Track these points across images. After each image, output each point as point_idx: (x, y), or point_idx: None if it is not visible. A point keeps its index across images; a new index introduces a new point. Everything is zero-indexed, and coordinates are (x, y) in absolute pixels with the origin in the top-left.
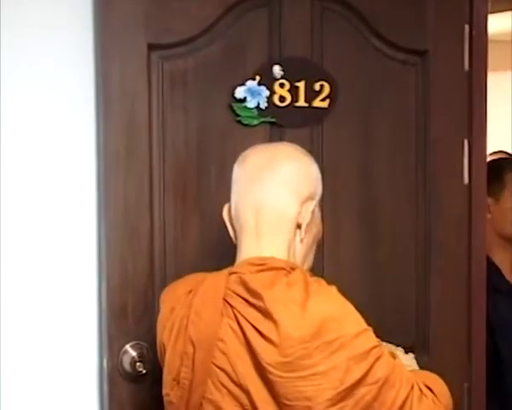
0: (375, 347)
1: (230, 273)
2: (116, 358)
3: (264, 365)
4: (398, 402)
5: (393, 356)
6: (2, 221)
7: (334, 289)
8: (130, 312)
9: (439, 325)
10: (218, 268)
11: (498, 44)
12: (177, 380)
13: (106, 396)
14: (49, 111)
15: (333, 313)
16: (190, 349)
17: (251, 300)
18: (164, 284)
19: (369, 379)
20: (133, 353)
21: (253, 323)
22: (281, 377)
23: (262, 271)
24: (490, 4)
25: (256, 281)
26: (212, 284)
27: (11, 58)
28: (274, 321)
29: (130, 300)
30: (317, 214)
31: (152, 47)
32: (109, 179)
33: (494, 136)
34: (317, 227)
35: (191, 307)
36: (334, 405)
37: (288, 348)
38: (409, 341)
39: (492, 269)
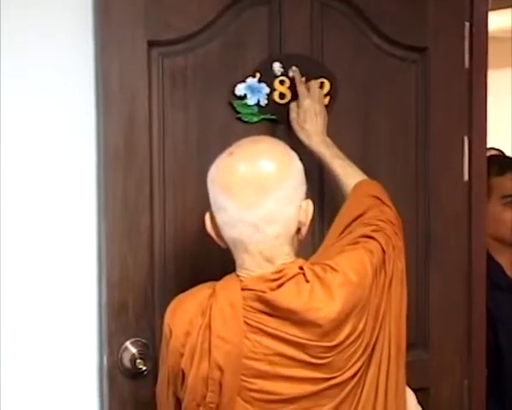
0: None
1: (244, 289)
2: (116, 355)
3: (308, 359)
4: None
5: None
6: (2, 218)
7: (333, 264)
8: (130, 308)
9: (438, 321)
10: (219, 265)
11: (498, 42)
12: (201, 405)
13: (106, 393)
14: (49, 108)
15: (352, 278)
16: (217, 374)
17: (276, 314)
18: (164, 281)
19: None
20: (133, 350)
21: (287, 331)
22: (330, 356)
23: (282, 284)
24: (490, 1)
25: (280, 296)
26: (227, 301)
27: (11, 57)
28: (311, 323)
29: (131, 296)
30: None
31: (152, 44)
32: (109, 175)
33: (494, 133)
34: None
35: (210, 330)
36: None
37: (331, 332)
38: (408, 338)
39: (493, 265)
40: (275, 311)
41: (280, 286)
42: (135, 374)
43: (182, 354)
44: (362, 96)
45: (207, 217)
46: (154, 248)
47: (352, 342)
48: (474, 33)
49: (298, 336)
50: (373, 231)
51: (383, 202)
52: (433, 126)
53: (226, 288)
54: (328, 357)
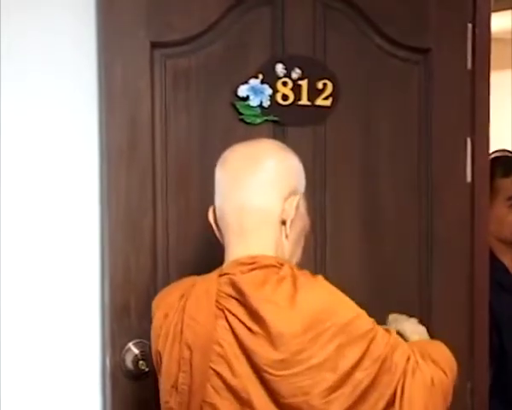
0: (369, 330)
1: (221, 275)
2: (119, 356)
3: (260, 365)
4: (393, 384)
5: (389, 332)
6: (4, 217)
7: (320, 278)
8: (132, 309)
9: (441, 323)
10: (218, 266)
11: (499, 43)
12: (175, 387)
13: (108, 394)
14: (52, 108)
15: (322, 303)
16: (187, 354)
17: (241, 300)
18: (167, 282)
19: (366, 362)
20: (136, 351)
21: (246, 323)
22: (277, 375)
23: (253, 269)
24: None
25: (246, 281)
26: (204, 286)
27: (13, 57)
28: (262, 320)
29: (133, 297)
30: (302, 209)
31: (155, 45)
32: (112, 176)
33: (494, 135)
34: (302, 222)
35: (184, 311)
36: (330, 394)
37: (281, 346)
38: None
39: (497, 265)
40: (240, 296)
41: (250, 271)
42: (137, 375)
43: (159, 336)
44: (364, 97)
45: (211, 209)
46: (156, 250)
47: (301, 372)
48: (477, 35)
49: (255, 332)
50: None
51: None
52: (436, 128)
53: (206, 276)
54: (275, 375)
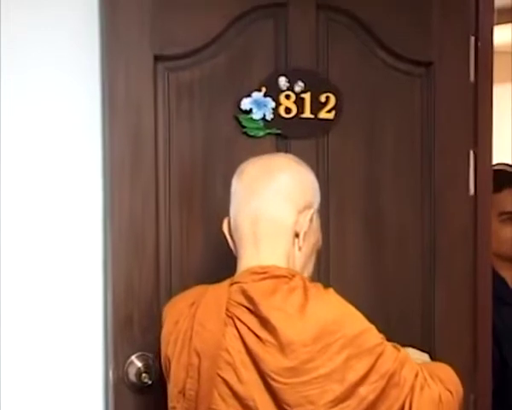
0: (377, 344)
1: (232, 283)
2: (122, 369)
3: (268, 372)
4: (402, 398)
5: (397, 349)
6: (6, 229)
7: (331, 291)
8: (135, 322)
9: (444, 335)
10: (224, 278)
11: (500, 56)
12: (182, 392)
13: (111, 407)
14: (55, 121)
15: (332, 315)
16: (195, 360)
17: (251, 308)
18: (169, 295)
19: (373, 376)
20: (139, 364)
21: (255, 331)
22: (284, 383)
23: (264, 279)
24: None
25: (256, 289)
26: (215, 294)
27: (14, 69)
28: (273, 328)
29: (136, 310)
30: (316, 223)
31: (158, 58)
32: (115, 189)
33: (495, 147)
34: (315, 236)
35: (194, 318)
36: (337, 405)
37: (290, 354)
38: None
39: (497, 280)
40: (250, 304)
41: (262, 280)
42: (140, 388)
43: (168, 342)
44: (367, 110)
45: (225, 220)
46: (159, 263)
47: (309, 381)
48: (480, 47)
49: (264, 340)
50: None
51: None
52: (439, 140)
53: (218, 284)
54: (282, 383)
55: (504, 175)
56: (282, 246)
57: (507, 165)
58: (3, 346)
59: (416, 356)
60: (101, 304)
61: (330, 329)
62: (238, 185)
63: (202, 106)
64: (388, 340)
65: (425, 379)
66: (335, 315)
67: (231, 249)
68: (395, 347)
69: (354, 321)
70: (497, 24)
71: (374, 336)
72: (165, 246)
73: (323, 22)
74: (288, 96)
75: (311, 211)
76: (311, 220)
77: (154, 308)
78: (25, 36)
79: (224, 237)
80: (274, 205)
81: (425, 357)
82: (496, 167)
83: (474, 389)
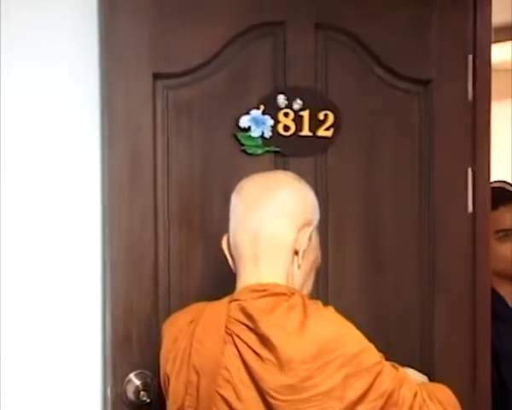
0: (376, 363)
1: (231, 301)
2: (120, 387)
3: (267, 390)
4: None
5: (396, 368)
6: (6, 252)
7: (331, 309)
8: (134, 340)
9: (443, 354)
10: (223, 296)
11: (498, 74)
12: (181, 409)
13: None
14: (53, 140)
15: (332, 333)
16: (194, 378)
17: (250, 325)
18: (168, 313)
19: (371, 395)
20: (137, 382)
21: (254, 348)
22: (284, 401)
23: (264, 296)
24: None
25: (256, 307)
26: (214, 312)
27: (13, 88)
28: (272, 345)
29: (135, 328)
30: (315, 241)
31: (157, 76)
32: (114, 208)
33: (493, 165)
34: (314, 253)
35: (193, 336)
36: None
37: (289, 371)
38: (414, 368)
39: (495, 297)
40: (249, 321)
41: (261, 298)
42: (139, 406)
43: (167, 360)
44: (365, 128)
45: (225, 237)
46: (158, 281)
47: (308, 399)
48: (478, 66)
49: (263, 357)
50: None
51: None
52: (437, 159)
53: (217, 302)
54: (281, 400)
55: (501, 192)
56: (281, 264)
57: (505, 182)
58: (2, 365)
59: (415, 377)
60: (100, 322)
61: (329, 347)
62: (237, 202)
63: (201, 124)
64: (387, 358)
65: (424, 400)
66: (335, 333)
67: (230, 267)
68: (394, 366)
69: (353, 340)
70: (496, 42)
71: (373, 354)
72: (164, 264)
73: (322, 40)
74: (286, 114)
75: (311, 228)
76: (310, 238)
77: (152, 326)
78: (21, 55)
79: (224, 254)
80: (273, 222)
81: (424, 379)
82: (493, 185)
83: (473, 408)
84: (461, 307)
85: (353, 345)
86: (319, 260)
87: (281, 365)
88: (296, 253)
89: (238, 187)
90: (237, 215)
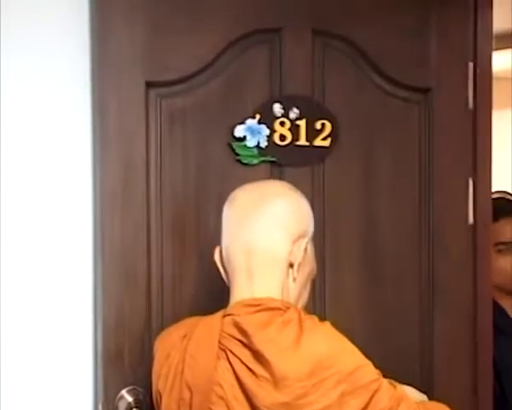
0: (373, 381)
1: (224, 316)
2: (112, 403)
3: (261, 407)
4: None
5: (394, 386)
6: None
7: (327, 324)
8: (126, 356)
9: (444, 368)
10: (217, 310)
11: (499, 82)
12: None
13: None
14: (44, 151)
15: (327, 349)
16: (187, 395)
17: (245, 341)
18: (161, 327)
19: None
20: (129, 398)
21: (248, 364)
22: None
23: (258, 311)
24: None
25: (250, 322)
26: (207, 327)
27: (6, 97)
28: (267, 362)
29: (127, 343)
30: (310, 252)
31: (150, 85)
32: (105, 219)
33: (494, 174)
34: (310, 265)
35: (186, 351)
36: None
37: (284, 388)
38: (413, 384)
39: (496, 309)
40: (243, 336)
41: (255, 313)
42: None
43: (160, 376)
44: (364, 138)
45: (217, 249)
46: (151, 294)
47: None
48: (478, 74)
49: (257, 374)
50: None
51: None
52: (437, 168)
53: (210, 316)
54: None
55: (501, 204)
56: (276, 277)
57: (506, 193)
58: None
59: (414, 395)
60: (91, 336)
61: (325, 363)
62: (230, 213)
63: (195, 133)
64: (385, 375)
65: None
66: (331, 349)
67: (224, 280)
68: (392, 384)
69: (350, 356)
70: (496, 49)
71: (370, 372)
72: (157, 277)
73: (319, 48)
74: (282, 123)
75: (306, 240)
76: (305, 250)
77: (145, 341)
78: (11, 65)
79: (216, 267)
80: (267, 235)
81: (423, 397)
82: (493, 196)
83: None
84: (461, 321)
85: (350, 362)
86: (315, 271)
87: (275, 382)
88: (291, 266)
89: (230, 197)
90: (230, 227)
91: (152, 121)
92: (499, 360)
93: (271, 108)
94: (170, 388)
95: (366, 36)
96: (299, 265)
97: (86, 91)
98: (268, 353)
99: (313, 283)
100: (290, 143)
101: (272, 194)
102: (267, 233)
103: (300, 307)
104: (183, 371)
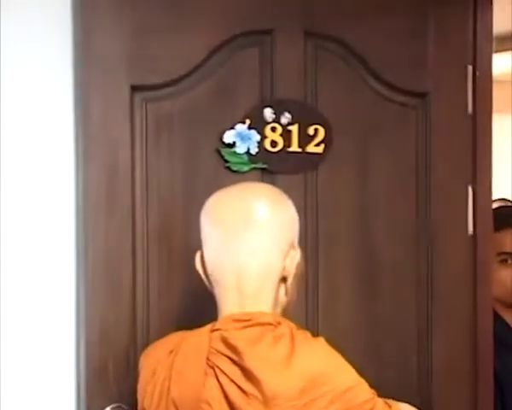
0: (367, 400)
1: (213, 330)
2: None
3: None
4: None
5: (389, 405)
6: None
7: (321, 340)
8: (110, 371)
9: (443, 383)
10: (206, 323)
11: (498, 85)
12: None
13: None
14: (26, 155)
15: (320, 366)
16: None
17: (234, 358)
18: (147, 340)
19: None
20: None
21: (238, 382)
22: None
23: (248, 326)
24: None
25: (240, 338)
26: (194, 342)
27: None
28: (257, 380)
29: (111, 357)
30: (299, 258)
31: (135, 88)
32: (89, 227)
33: (495, 182)
34: (299, 271)
35: (172, 367)
36: None
37: (274, 408)
38: (411, 400)
39: (497, 321)
40: (233, 353)
41: (245, 328)
42: None
43: (145, 393)
44: (359, 144)
45: (198, 255)
46: (136, 306)
47: None
48: (478, 77)
49: (247, 393)
50: None
51: None
52: (436, 176)
53: (197, 330)
54: None
55: (503, 213)
56: (267, 292)
57: (506, 200)
58: None
59: (411, 408)
60: (74, 351)
61: (318, 381)
62: (212, 228)
63: (182, 139)
64: (381, 390)
65: None
66: (323, 367)
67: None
68: (387, 403)
69: (344, 374)
70: (497, 52)
71: (364, 391)
72: (143, 288)
73: (312, 50)
74: (273, 129)
75: (297, 251)
76: (294, 258)
77: (130, 356)
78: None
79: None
80: (258, 253)
81: None
82: (495, 204)
83: None
84: (461, 334)
85: (343, 380)
86: (303, 273)
87: (265, 401)
88: (284, 279)
89: (209, 208)
90: (214, 243)
91: (137, 126)
92: (501, 373)
93: (262, 112)
94: (156, 406)
95: (361, 38)
96: (292, 278)
97: (69, 95)
98: (258, 370)
99: (306, 293)
100: (282, 149)
101: (256, 206)
102: (257, 251)
103: (290, 303)
104: (169, 389)
